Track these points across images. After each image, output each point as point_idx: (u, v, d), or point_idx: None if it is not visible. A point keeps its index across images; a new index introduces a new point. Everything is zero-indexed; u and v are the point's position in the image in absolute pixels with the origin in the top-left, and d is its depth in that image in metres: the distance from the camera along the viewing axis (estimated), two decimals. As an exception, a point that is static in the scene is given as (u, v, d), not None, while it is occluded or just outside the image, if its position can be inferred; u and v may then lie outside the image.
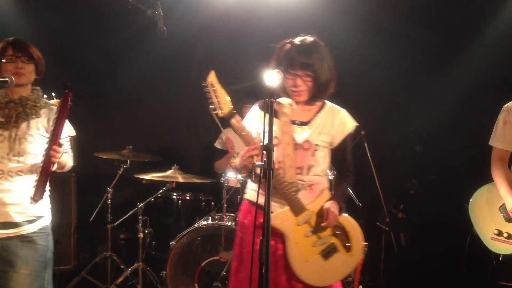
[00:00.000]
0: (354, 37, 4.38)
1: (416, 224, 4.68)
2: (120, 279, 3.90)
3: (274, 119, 2.28)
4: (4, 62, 2.39)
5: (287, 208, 2.30)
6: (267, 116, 2.22)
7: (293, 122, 2.41)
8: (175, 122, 4.67)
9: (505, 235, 2.68)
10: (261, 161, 1.94)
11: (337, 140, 2.45)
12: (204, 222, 3.72)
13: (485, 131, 2.88)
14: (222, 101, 2.21)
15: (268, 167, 1.86)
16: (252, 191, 2.47)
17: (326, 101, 2.51)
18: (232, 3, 4.31)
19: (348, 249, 2.41)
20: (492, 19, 4.30)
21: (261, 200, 2.29)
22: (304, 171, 2.37)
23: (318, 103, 2.49)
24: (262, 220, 2.22)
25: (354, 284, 3.36)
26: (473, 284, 4.06)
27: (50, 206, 2.55)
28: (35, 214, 2.41)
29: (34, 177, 2.38)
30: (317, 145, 2.39)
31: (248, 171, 2.32)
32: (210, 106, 2.23)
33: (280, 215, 2.29)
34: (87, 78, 4.39)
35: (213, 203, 4.22)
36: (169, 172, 3.96)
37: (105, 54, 4.59)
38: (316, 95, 2.42)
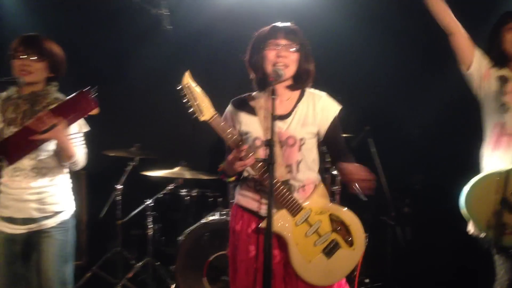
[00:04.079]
0: (356, 33, 4.41)
1: (422, 218, 4.69)
2: (131, 274, 3.98)
3: (252, 117, 2.29)
4: (14, 59, 2.41)
5: (283, 209, 2.20)
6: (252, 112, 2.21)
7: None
8: (181, 119, 4.70)
9: None
10: (263, 157, 1.94)
11: (324, 128, 2.31)
12: (212, 218, 3.79)
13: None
14: (202, 104, 2.04)
15: (271, 161, 1.89)
16: (241, 196, 2.36)
17: (305, 89, 2.37)
18: (235, 1, 4.35)
19: (350, 243, 2.31)
20: (494, 10, 4.30)
21: (251, 205, 2.29)
22: (293, 169, 2.26)
23: (296, 92, 2.33)
24: (255, 228, 2.25)
25: (356, 279, 3.34)
26: (480, 278, 4.08)
27: (72, 198, 2.59)
28: (54, 209, 2.47)
29: (50, 174, 2.44)
30: (302, 138, 2.26)
31: (237, 175, 2.23)
32: (189, 111, 2.04)
33: (276, 217, 2.17)
34: (94, 77, 4.44)
35: (220, 199, 4.28)
36: (176, 169, 4.03)
37: (112, 52, 4.66)
38: (297, 81, 2.29)
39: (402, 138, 4.87)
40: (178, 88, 2.04)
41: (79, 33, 4.49)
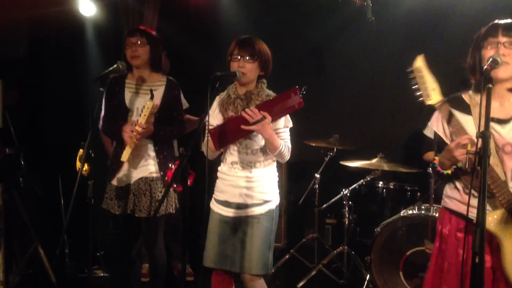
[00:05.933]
0: None
1: None
2: (326, 261, 4.11)
3: (466, 116, 2.17)
4: (231, 61, 2.66)
5: (500, 210, 2.08)
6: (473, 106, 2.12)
7: (491, 120, 2.09)
8: (381, 110, 4.69)
9: None
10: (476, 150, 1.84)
11: None
12: (410, 212, 3.68)
13: None
14: (430, 88, 2.07)
15: (484, 154, 1.77)
16: (448, 199, 2.30)
17: None
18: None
19: None
20: None
21: (459, 208, 2.21)
22: (508, 177, 2.13)
23: None
24: (463, 230, 2.15)
25: None
26: None
27: (278, 191, 2.77)
28: (263, 198, 2.67)
29: (261, 166, 2.65)
30: None
31: (454, 168, 2.15)
32: (416, 93, 2.10)
33: (492, 217, 2.06)
34: (296, 69, 4.69)
35: (418, 193, 4.14)
36: (374, 160, 4.02)
37: (313, 45, 4.84)
38: None
39: None
40: (408, 70, 2.11)
41: (284, 26, 4.78)
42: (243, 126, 2.48)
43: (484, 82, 1.90)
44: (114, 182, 3.07)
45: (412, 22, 4.40)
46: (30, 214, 3.70)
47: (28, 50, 4.81)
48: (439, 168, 2.22)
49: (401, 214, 3.68)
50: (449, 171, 2.20)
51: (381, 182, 4.16)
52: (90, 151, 2.73)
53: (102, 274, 3.99)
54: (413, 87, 2.11)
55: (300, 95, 2.48)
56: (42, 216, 4.19)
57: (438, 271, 2.29)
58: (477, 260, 1.72)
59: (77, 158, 3.10)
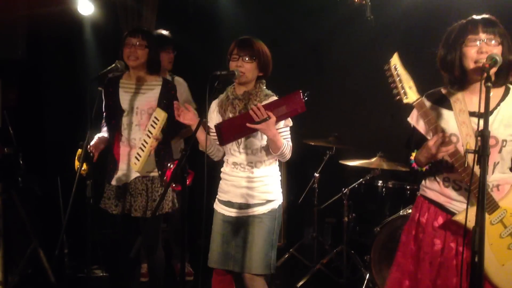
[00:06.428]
0: None
1: None
2: (325, 260, 4.11)
3: (447, 111, 2.18)
4: (230, 61, 2.66)
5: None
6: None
7: (472, 114, 2.12)
8: (380, 109, 4.68)
9: None
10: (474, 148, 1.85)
11: None
12: (409, 211, 3.68)
13: None
14: (407, 86, 2.03)
15: (484, 153, 1.78)
16: (428, 189, 2.30)
17: (510, 86, 2.19)
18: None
19: None
20: None
21: (439, 199, 2.22)
22: (489, 170, 2.12)
23: (500, 90, 2.16)
24: (442, 222, 2.20)
25: None
26: None
27: (280, 190, 2.75)
28: (265, 198, 2.67)
29: (263, 166, 2.65)
30: (504, 140, 2.11)
31: (429, 164, 2.16)
32: (393, 92, 2.05)
33: (471, 213, 2.02)
34: (295, 68, 4.68)
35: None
36: (373, 159, 4.01)
37: (312, 44, 4.84)
38: (500, 76, 2.11)
39: None
40: (384, 68, 2.06)
41: (282, 25, 4.77)
42: (248, 124, 2.48)
43: (485, 82, 1.88)
44: (113, 182, 3.06)
45: (410, 21, 4.39)
46: (29, 214, 3.70)
47: (26, 50, 4.80)
48: (414, 165, 2.21)
49: (401, 213, 3.68)
50: (423, 168, 2.21)
51: (380, 181, 4.15)
52: (89, 151, 2.73)
53: (101, 274, 3.98)
54: (390, 85, 2.06)
55: (303, 100, 2.49)
56: (41, 216, 4.19)
57: (414, 258, 2.29)
58: (476, 259, 1.72)
59: (76, 157, 3.09)
